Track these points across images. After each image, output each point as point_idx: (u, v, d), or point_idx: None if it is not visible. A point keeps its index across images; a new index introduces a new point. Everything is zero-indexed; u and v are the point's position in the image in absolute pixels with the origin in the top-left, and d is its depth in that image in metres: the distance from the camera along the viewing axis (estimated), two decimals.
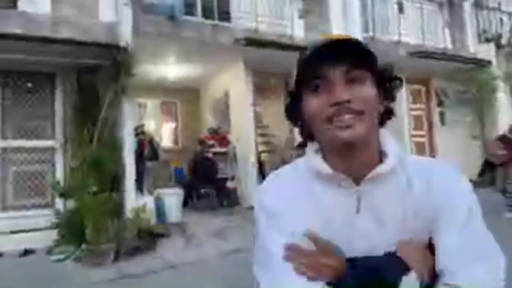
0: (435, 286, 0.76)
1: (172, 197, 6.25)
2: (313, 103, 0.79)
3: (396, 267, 0.76)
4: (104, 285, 3.90)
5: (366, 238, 0.80)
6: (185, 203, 7.34)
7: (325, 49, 0.77)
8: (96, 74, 5.76)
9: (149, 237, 4.93)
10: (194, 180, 7.84)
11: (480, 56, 9.55)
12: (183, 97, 10.58)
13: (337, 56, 0.76)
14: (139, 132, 7.58)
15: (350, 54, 0.76)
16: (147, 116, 10.40)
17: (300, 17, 7.74)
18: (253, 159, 7.92)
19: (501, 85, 9.33)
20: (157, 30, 6.05)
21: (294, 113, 0.88)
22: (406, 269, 0.75)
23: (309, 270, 0.76)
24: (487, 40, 9.99)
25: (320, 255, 0.77)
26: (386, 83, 0.85)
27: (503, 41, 10.15)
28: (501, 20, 11.04)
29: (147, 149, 7.51)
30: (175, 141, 10.72)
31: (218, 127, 8.97)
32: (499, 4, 11.73)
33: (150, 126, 9.92)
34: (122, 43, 5.43)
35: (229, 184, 8.02)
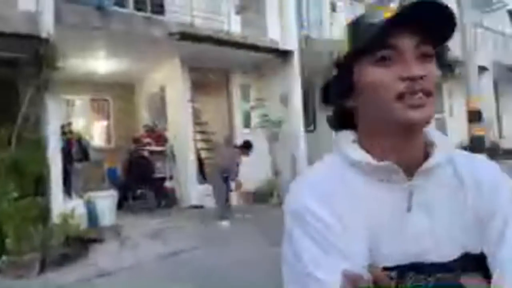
0: None
1: (105, 199, 5.90)
2: (382, 74, 0.67)
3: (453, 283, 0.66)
4: None
5: (418, 241, 0.69)
6: (120, 205, 6.99)
7: (406, 16, 0.65)
8: (15, 68, 5.25)
9: (79, 244, 4.59)
10: (129, 181, 7.50)
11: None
12: (116, 93, 10.04)
13: (412, 28, 0.66)
14: (66, 131, 7.08)
15: (428, 22, 0.66)
16: (76, 113, 9.73)
17: (237, 13, 7.70)
18: (192, 157, 7.76)
19: None
20: (83, 21, 5.64)
21: (339, 89, 0.74)
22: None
23: None
24: None
25: None
26: (441, 64, 0.76)
27: None
28: None
29: (75, 149, 7.02)
30: (108, 140, 10.16)
31: (154, 125, 8.66)
32: None
33: (79, 124, 9.29)
34: (43, 34, 4.99)
35: (167, 184, 7.79)
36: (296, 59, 7.84)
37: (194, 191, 7.54)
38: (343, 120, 0.77)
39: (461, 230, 0.70)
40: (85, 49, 6.82)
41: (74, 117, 9.33)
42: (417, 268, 0.67)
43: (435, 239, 0.69)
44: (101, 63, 7.89)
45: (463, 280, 0.67)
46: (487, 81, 12.72)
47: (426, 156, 0.72)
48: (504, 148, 12.38)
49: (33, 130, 5.08)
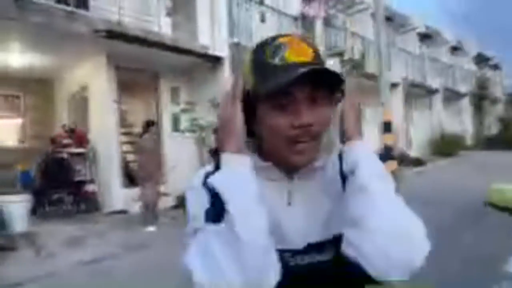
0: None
1: (17, 204, 5.43)
2: (277, 121, 0.77)
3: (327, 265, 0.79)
4: None
5: (297, 230, 0.81)
6: (34, 211, 6.48)
7: (297, 68, 0.74)
8: None
9: None
10: (45, 184, 6.99)
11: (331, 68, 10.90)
12: (31, 89, 9.28)
13: (308, 76, 0.73)
14: None
15: (320, 75, 0.75)
16: None
17: (168, 15, 7.62)
18: (116, 160, 7.46)
19: None
20: None
21: (244, 112, 0.81)
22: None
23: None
24: (334, 55, 11.48)
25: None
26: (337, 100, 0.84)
27: (346, 56, 11.81)
28: (345, 38, 12.82)
29: None
30: (21, 140, 9.34)
31: (74, 125, 8.17)
32: (344, 23, 13.61)
33: None
34: None
35: (88, 188, 7.39)
36: (226, 65, 7.96)
37: (119, 195, 7.26)
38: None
39: (334, 221, 0.81)
40: None
41: None
42: (295, 251, 0.80)
43: (310, 227, 0.81)
44: (15, 57, 7.27)
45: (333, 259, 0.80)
46: (397, 96, 14.02)
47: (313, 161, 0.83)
48: (411, 157, 13.72)
49: None
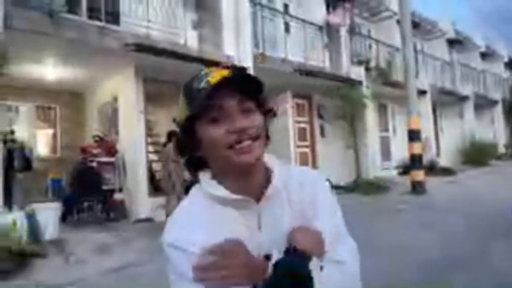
0: (327, 265, 0.84)
1: (48, 212, 5.64)
2: (214, 132, 0.84)
3: (302, 260, 0.81)
4: None
5: (268, 249, 0.85)
6: (65, 218, 6.70)
7: (222, 83, 0.82)
8: None
9: (19, 259, 4.36)
10: (75, 193, 7.21)
11: (352, 76, 10.83)
12: (64, 101, 9.67)
13: (233, 88, 0.83)
14: (8, 139, 6.71)
15: (243, 86, 0.84)
16: (19, 121, 9.24)
17: (194, 27, 7.79)
18: (143, 169, 7.63)
19: (369, 103, 10.70)
20: (34, 27, 5.46)
21: (187, 145, 0.91)
22: (308, 258, 0.81)
23: (227, 277, 0.78)
24: (359, 63, 11.39)
25: (232, 257, 0.80)
26: (266, 112, 0.93)
27: (371, 64, 11.68)
28: (370, 46, 12.69)
29: (17, 158, 6.67)
30: (53, 150, 9.72)
31: (104, 135, 8.43)
32: (369, 31, 13.49)
33: (22, 132, 8.83)
34: None
35: (117, 196, 7.58)
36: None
37: (145, 204, 7.41)
38: (198, 165, 0.94)
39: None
40: (34, 55, 6.57)
41: (17, 124, 8.86)
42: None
43: (278, 247, 0.84)
44: (49, 70, 7.61)
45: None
46: (426, 103, 13.70)
47: (268, 180, 0.91)
48: (441, 166, 13.32)
49: None
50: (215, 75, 0.84)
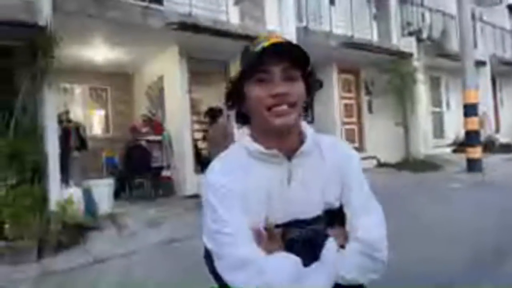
0: (348, 242, 0.99)
1: (103, 188, 5.95)
2: (257, 93, 0.96)
3: (321, 232, 0.99)
4: (26, 283, 3.62)
5: (298, 204, 0.98)
6: (118, 194, 7.05)
7: (272, 48, 0.93)
8: (11, 57, 5.24)
9: (76, 231, 4.65)
10: (127, 170, 7.54)
11: (402, 48, 10.22)
12: (114, 82, 10.04)
13: (280, 55, 0.94)
14: (64, 119, 7.10)
15: (290, 56, 0.95)
16: (74, 102, 9.74)
17: (236, 3, 7.67)
18: (189, 147, 7.80)
19: (420, 76, 10.07)
20: (80, 9, 5.62)
21: (234, 98, 1.04)
22: (326, 237, 0.98)
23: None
24: (410, 34, 10.71)
25: (272, 242, 0.94)
26: (311, 82, 1.03)
27: (424, 35, 10.94)
28: (422, 15, 11.88)
29: (73, 137, 7.05)
30: (106, 129, 10.19)
31: (151, 114, 8.68)
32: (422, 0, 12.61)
33: (77, 112, 9.32)
34: (41, 22, 4.98)
35: (165, 173, 7.84)
36: None
37: (192, 181, 7.60)
38: (243, 119, 1.07)
39: (325, 194, 1.01)
40: (83, 37, 6.80)
41: (72, 105, 9.35)
42: (296, 223, 0.98)
43: (307, 202, 1.00)
44: (99, 52, 7.88)
45: (329, 230, 1.00)
46: (485, 75, 12.72)
47: (302, 143, 1.02)
48: (500, 142, 12.43)
49: (31, 118, 5.10)
50: (268, 42, 0.95)
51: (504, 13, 15.88)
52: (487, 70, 12.89)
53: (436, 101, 12.42)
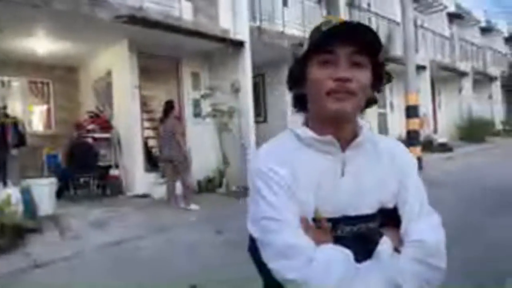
0: (403, 245, 0.90)
1: (43, 187, 5.60)
2: (320, 74, 0.88)
3: (374, 231, 0.92)
4: None
5: (350, 198, 0.92)
6: (61, 194, 6.68)
7: (341, 28, 0.86)
8: None
9: (15, 234, 4.35)
10: (71, 168, 7.17)
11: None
12: (57, 75, 9.47)
13: (350, 38, 0.85)
14: (1, 114, 6.61)
15: (361, 39, 0.86)
16: (12, 96, 9.08)
17: None
18: (139, 145, 7.57)
19: None
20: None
21: (295, 79, 0.97)
22: (381, 235, 0.91)
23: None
24: None
25: (321, 233, 0.88)
26: (379, 75, 0.95)
27: None
28: (369, 20, 12.42)
29: (11, 134, 6.58)
30: (48, 125, 9.60)
31: (99, 110, 8.32)
32: (369, 5, 13.18)
33: (15, 107, 8.70)
34: None
35: (113, 172, 7.55)
36: (247, 50, 7.86)
37: (141, 180, 7.39)
38: (300, 103, 1.00)
39: (379, 191, 0.95)
40: (25, 28, 6.37)
41: (10, 100, 8.72)
42: (346, 219, 0.92)
43: (360, 198, 0.93)
44: (41, 44, 7.41)
45: (381, 229, 0.93)
46: (425, 79, 13.56)
47: (357, 136, 0.95)
48: (438, 142, 13.32)
49: None
50: (340, 22, 0.88)
51: (444, 21, 17.03)
52: (427, 75, 13.76)
53: (381, 103, 13.06)
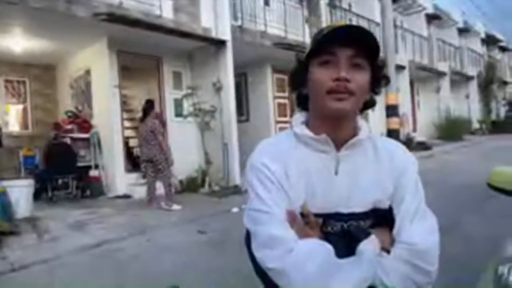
0: (394, 245, 0.92)
1: (20, 189, 5.45)
2: (320, 74, 0.93)
3: (364, 230, 0.94)
4: None
5: (342, 195, 0.95)
6: (38, 196, 6.52)
7: (342, 30, 0.90)
8: None
9: None
10: (49, 170, 7.01)
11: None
12: (34, 74, 9.25)
13: (351, 40, 0.90)
14: None
15: (361, 42, 0.91)
16: None
17: None
18: (120, 145, 7.46)
19: None
20: None
21: (297, 79, 1.01)
22: (367, 234, 0.91)
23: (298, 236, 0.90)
24: None
25: (308, 228, 0.92)
26: (378, 77, 0.99)
27: None
28: (350, 20, 12.56)
29: None
30: (25, 126, 9.36)
31: (77, 110, 8.15)
32: (350, 5, 13.33)
33: None
34: None
35: (92, 173, 7.41)
36: (229, 49, 7.84)
37: (122, 181, 7.28)
38: (301, 102, 1.05)
39: (373, 191, 0.97)
40: (0, 25, 6.19)
41: None
42: (337, 216, 0.95)
43: (353, 196, 0.95)
44: (17, 41, 7.22)
45: (373, 231, 0.94)
46: (404, 79, 13.80)
47: (355, 136, 0.98)
48: (417, 140, 13.59)
49: None
50: (341, 24, 0.92)
51: (422, 22, 17.37)
52: (406, 75, 14.01)
53: None
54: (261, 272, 0.93)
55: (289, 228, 0.89)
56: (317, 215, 0.94)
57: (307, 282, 0.84)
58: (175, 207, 6.00)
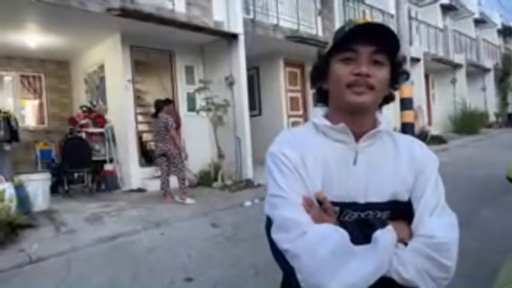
0: (412, 238, 0.92)
1: (37, 183, 5.56)
2: (342, 69, 0.95)
3: (380, 220, 0.95)
4: None
5: (360, 185, 0.96)
6: (55, 189, 6.64)
7: (364, 27, 0.92)
8: None
9: (9, 230, 4.32)
10: (66, 164, 7.12)
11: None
12: (50, 70, 9.37)
13: (372, 37, 0.92)
14: None
15: (382, 39, 0.93)
16: (4, 91, 8.97)
17: None
18: (134, 139, 7.53)
19: None
20: None
21: (318, 74, 1.04)
22: (384, 223, 0.92)
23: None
24: None
25: (324, 215, 0.93)
26: (397, 73, 1.02)
27: None
28: (363, 12, 12.39)
29: (3, 129, 6.50)
30: (41, 120, 9.51)
31: (92, 105, 8.25)
32: None
33: (7, 102, 8.60)
34: None
35: (107, 167, 7.51)
36: (241, 42, 7.81)
37: (136, 174, 7.37)
38: (321, 97, 1.08)
39: (392, 182, 0.98)
40: (15, 21, 6.28)
41: (2, 94, 8.62)
42: (354, 205, 0.96)
43: (370, 186, 0.96)
44: (32, 37, 7.31)
45: (391, 222, 0.93)
46: (419, 71, 13.58)
47: (374, 128, 1.00)
48: (432, 134, 13.39)
49: None
50: (363, 21, 0.94)
51: (437, 13, 17.02)
52: (421, 67, 13.77)
53: None
54: (280, 259, 0.95)
55: (304, 212, 0.91)
56: (333, 204, 0.95)
57: (319, 265, 0.85)
58: (189, 201, 6.04)
